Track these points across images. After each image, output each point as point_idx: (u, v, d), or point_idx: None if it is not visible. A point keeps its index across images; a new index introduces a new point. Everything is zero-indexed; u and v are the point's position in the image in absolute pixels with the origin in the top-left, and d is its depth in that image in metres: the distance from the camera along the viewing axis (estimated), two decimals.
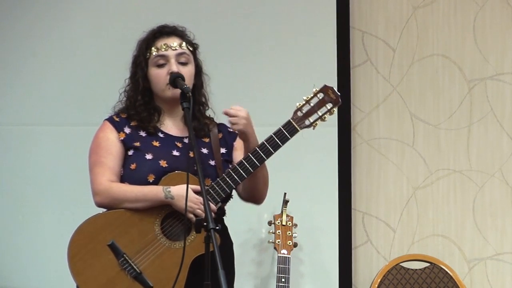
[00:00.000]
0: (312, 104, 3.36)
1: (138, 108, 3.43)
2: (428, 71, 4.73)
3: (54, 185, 4.51)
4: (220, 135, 3.50)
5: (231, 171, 3.31)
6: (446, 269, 4.52)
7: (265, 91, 4.55)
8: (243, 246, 4.47)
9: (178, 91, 3.31)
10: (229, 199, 3.47)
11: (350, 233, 4.60)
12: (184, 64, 3.41)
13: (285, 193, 4.21)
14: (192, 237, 3.26)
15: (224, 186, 3.31)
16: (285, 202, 4.20)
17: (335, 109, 3.39)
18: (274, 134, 3.33)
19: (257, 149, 3.32)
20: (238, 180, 3.32)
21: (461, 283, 4.49)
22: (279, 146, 3.33)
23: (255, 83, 4.58)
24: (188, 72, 3.41)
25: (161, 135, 3.42)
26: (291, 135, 3.34)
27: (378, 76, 4.73)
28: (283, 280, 3.99)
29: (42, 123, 4.56)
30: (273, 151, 3.32)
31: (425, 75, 4.73)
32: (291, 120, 3.34)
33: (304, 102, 3.36)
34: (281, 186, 4.22)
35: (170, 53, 3.40)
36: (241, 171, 3.31)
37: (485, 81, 4.72)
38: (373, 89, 4.73)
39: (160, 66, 3.40)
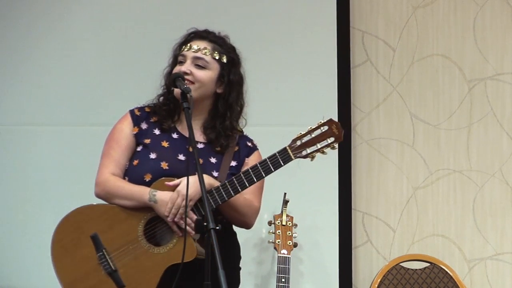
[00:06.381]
0: (313, 135, 3.31)
1: (160, 104, 3.43)
2: (428, 71, 4.73)
3: (54, 185, 4.51)
4: (236, 148, 3.46)
5: (220, 188, 3.26)
6: (446, 269, 4.52)
7: (265, 91, 4.54)
8: (244, 245, 4.43)
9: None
10: None
11: (350, 233, 4.60)
12: (200, 67, 3.39)
13: (285, 193, 4.21)
14: (171, 244, 3.24)
15: (211, 200, 3.26)
16: (285, 202, 4.20)
17: (336, 145, 3.34)
18: (269, 158, 3.29)
19: (259, 165, 3.28)
20: (225, 197, 3.26)
21: (461, 283, 4.49)
22: (271, 171, 3.28)
23: (255, 83, 4.54)
24: (202, 75, 3.38)
25: (175, 136, 3.40)
26: (285, 163, 3.28)
27: (378, 76, 4.73)
28: (283, 280, 3.99)
29: (42, 123, 4.56)
30: (264, 175, 3.28)
31: (425, 75, 4.73)
32: (287, 148, 3.30)
33: (306, 132, 3.31)
34: (281, 186, 4.22)
35: (189, 53, 3.40)
36: (230, 189, 3.26)
37: (485, 81, 4.72)
38: (373, 89, 4.73)
39: (180, 63, 3.41)
